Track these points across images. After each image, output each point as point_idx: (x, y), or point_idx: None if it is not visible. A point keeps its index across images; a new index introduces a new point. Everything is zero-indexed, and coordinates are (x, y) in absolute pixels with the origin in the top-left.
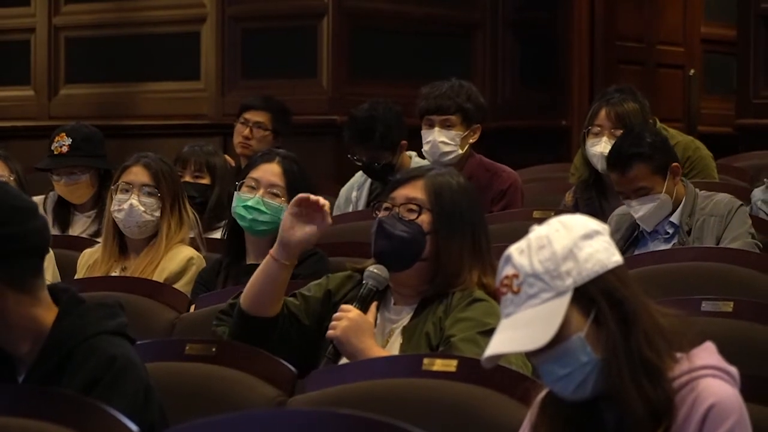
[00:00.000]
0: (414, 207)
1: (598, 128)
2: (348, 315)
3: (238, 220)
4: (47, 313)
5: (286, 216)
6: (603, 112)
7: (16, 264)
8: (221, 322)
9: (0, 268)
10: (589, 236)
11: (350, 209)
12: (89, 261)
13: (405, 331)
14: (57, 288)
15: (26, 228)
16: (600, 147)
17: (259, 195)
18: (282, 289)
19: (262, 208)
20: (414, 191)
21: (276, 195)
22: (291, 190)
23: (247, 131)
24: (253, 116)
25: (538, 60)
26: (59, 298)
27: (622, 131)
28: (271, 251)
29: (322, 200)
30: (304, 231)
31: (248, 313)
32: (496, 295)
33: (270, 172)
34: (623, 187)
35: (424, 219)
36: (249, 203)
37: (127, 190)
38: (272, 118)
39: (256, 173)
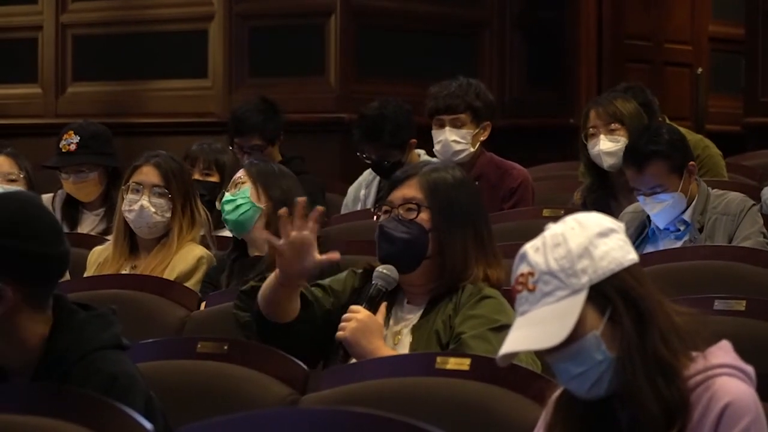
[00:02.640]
0: (412, 206)
1: (593, 129)
2: (357, 316)
3: (229, 229)
4: (45, 325)
5: (282, 243)
6: (592, 113)
7: (41, 284)
8: (241, 307)
9: (26, 286)
10: (604, 234)
11: (359, 207)
12: (99, 258)
13: (415, 330)
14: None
15: (59, 251)
16: (599, 145)
17: (230, 192)
18: (291, 302)
19: (231, 198)
20: (410, 190)
21: (241, 183)
22: (253, 176)
23: (246, 157)
24: (245, 141)
25: (546, 58)
26: (53, 308)
27: (617, 124)
28: (276, 272)
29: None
30: (302, 266)
31: (264, 316)
32: (501, 287)
33: (236, 175)
34: (639, 184)
35: (424, 217)
36: (224, 202)
37: (137, 191)
38: (262, 134)
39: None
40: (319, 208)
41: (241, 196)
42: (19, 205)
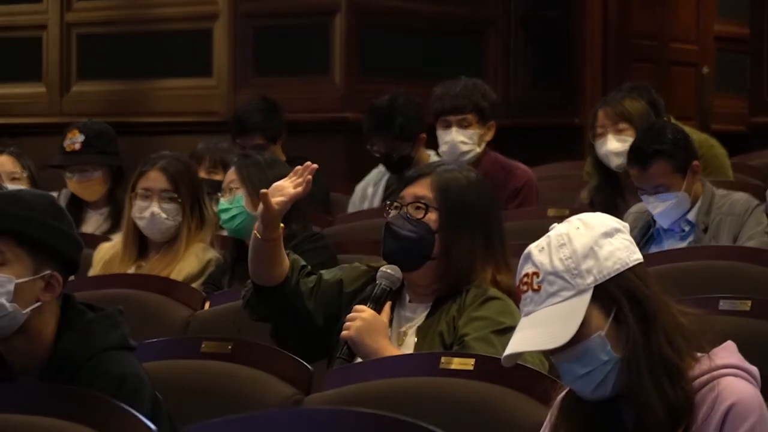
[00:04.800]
0: (421, 205)
1: (601, 129)
2: (361, 315)
3: (230, 234)
4: (56, 322)
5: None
6: (601, 114)
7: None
8: (251, 308)
9: (65, 274)
10: (609, 234)
11: (366, 206)
12: (105, 256)
13: (419, 331)
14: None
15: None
16: (607, 145)
17: (224, 199)
18: (273, 258)
19: (227, 206)
20: (422, 189)
21: (235, 188)
22: (245, 181)
23: None
24: (247, 141)
25: (551, 58)
26: (61, 307)
27: (626, 124)
28: (255, 227)
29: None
30: (275, 202)
31: (258, 284)
32: (510, 292)
33: (228, 177)
34: (642, 183)
35: (432, 217)
36: (220, 210)
37: (146, 196)
38: (263, 134)
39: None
40: (314, 165)
41: (236, 205)
42: (48, 194)
